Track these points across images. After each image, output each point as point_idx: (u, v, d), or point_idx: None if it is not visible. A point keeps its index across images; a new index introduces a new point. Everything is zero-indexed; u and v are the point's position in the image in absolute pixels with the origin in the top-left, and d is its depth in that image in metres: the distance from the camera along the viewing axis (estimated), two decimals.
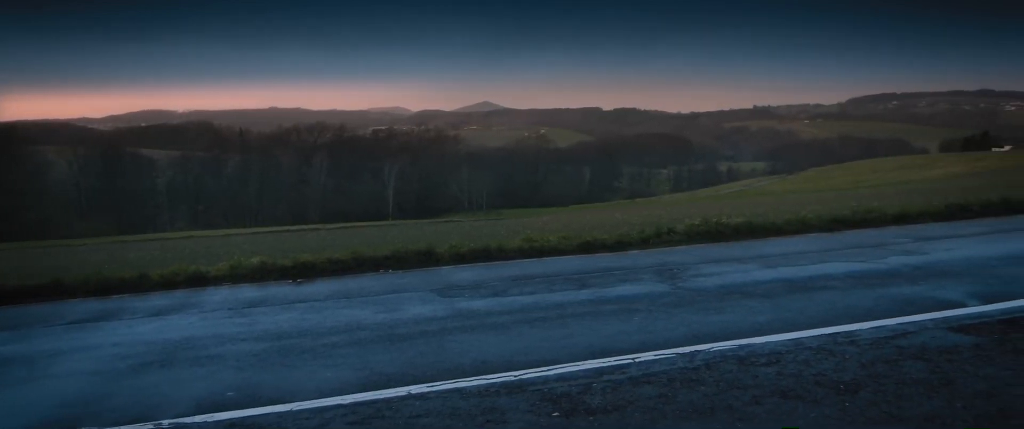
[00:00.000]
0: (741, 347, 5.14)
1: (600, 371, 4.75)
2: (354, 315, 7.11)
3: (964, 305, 6.17)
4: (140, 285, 9.22)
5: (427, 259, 10.36)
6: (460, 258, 10.41)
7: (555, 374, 4.73)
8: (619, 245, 11.10)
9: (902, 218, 12.83)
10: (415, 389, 4.58)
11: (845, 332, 5.40)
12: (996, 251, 9.03)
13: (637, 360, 4.96)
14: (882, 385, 4.17)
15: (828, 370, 4.49)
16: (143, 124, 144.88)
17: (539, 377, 4.69)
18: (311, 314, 7.22)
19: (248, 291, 8.77)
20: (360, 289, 8.59)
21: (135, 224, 66.70)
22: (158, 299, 8.49)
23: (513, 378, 4.69)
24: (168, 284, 9.26)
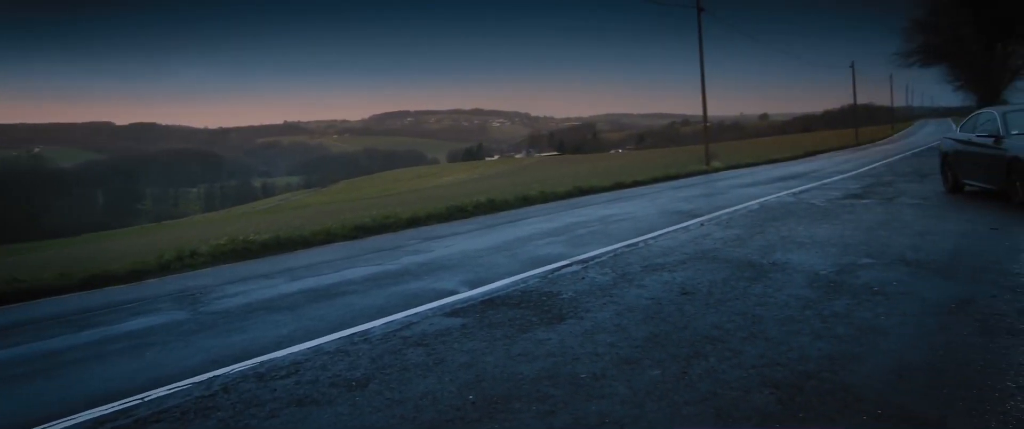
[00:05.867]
0: (262, 363, 5.10)
1: (100, 420, 4.19)
2: None
3: (457, 292, 7.20)
4: None
5: None
6: None
7: None
8: (133, 275, 10.02)
9: (414, 221, 14.45)
10: None
11: (360, 331, 5.81)
12: (483, 244, 10.80)
13: (147, 399, 4.52)
14: (388, 375, 4.59)
15: (343, 370, 4.76)
16: None
17: None
18: None
19: None
20: None
21: None
22: None
23: None
24: None
